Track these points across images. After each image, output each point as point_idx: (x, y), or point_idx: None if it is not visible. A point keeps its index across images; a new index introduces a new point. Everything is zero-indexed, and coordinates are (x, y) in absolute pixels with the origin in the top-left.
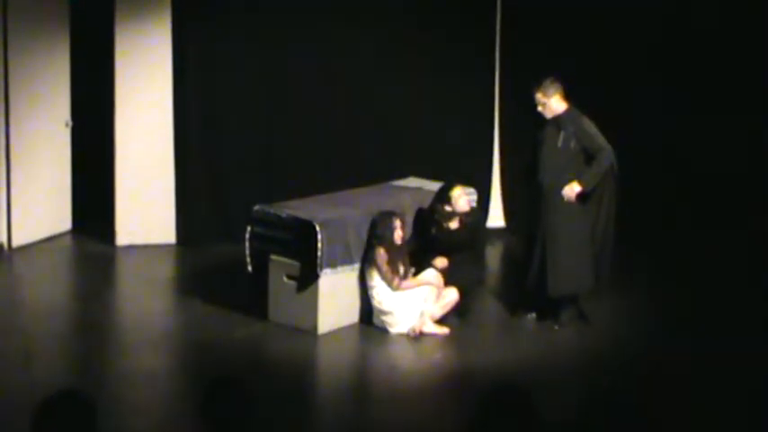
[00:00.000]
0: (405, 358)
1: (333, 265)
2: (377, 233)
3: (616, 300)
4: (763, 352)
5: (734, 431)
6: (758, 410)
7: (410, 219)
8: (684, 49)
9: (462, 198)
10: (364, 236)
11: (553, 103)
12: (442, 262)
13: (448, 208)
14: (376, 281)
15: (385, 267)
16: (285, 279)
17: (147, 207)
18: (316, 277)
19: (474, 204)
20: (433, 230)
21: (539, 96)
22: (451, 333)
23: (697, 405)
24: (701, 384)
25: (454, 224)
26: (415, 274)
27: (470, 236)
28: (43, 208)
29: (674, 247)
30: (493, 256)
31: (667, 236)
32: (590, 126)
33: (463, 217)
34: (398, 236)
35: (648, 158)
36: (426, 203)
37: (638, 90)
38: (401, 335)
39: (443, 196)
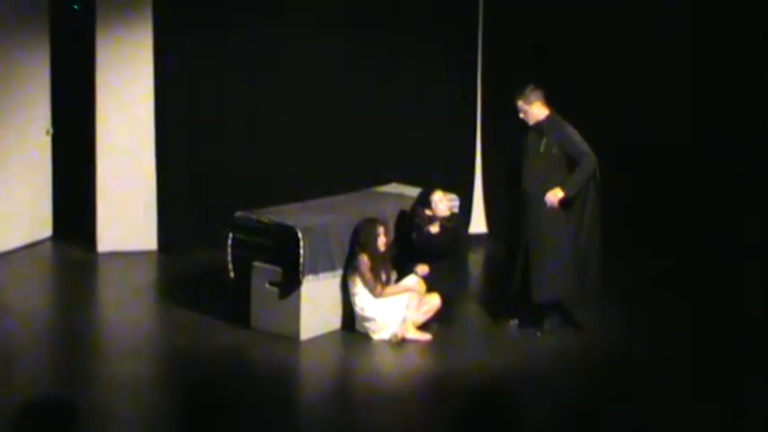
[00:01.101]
0: (387, 364)
1: (315, 271)
2: (360, 240)
3: (600, 307)
4: (750, 357)
5: None
6: (741, 415)
7: (392, 225)
8: (672, 50)
9: (442, 202)
10: (347, 242)
11: (534, 110)
12: (423, 269)
13: (428, 212)
14: (358, 287)
15: (368, 274)
16: (267, 285)
17: (128, 214)
18: (298, 284)
19: (456, 210)
20: (414, 235)
21: (520, 104)
22: (433, 339)
23: (678, 411)
24: (683, 390)
25: (435, 229)
26: (397, 280)
27: (452, 241)
28: (24, 215)
29: (659, 252)
30: (475, 262)
31: (653, 241)
32: (573, 132)
33: (444, 222)
34: (381, 242)
35: (632, 161)
36: (408, 208)
37: (622, 93)
38: (383, 341)
39: (424, 200)
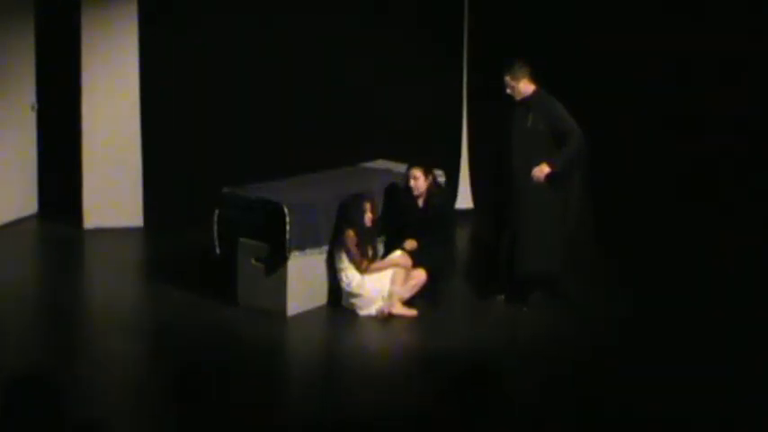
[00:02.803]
0: (373, 340)
1: (301, 247)
2: (346, 216)
3: (587, 281)
4: (738, 340)
5: (700, 415)
6: (728, 398)
7: (380, 200)
8: (660, 42)
9: (419, 180)
10: (333, 218)
11: (522, 86)
12: (410, 244)
13: (411, 185)
14: (344, 263)
15: (354, 250)
16: (254, 262)
17: (114, 190)
18: (284, 260)
19: (441, 183)
20: (400, 209)
21: (507, 79)
22: (419, 314)
23: (663, 388)
24: (668, 368)
25: (420, 203)
26: (384, 255)
27: (437, 218)
28: (9, 191)
29: (651, 228)
30: (461, 237)
31: (645, 221)
32: (560, 108)
33: (428, 198)
34: (368, 218)
35: (623, 148)
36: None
37: (611, 74)
38: (370, 317)
39: (406, 175)
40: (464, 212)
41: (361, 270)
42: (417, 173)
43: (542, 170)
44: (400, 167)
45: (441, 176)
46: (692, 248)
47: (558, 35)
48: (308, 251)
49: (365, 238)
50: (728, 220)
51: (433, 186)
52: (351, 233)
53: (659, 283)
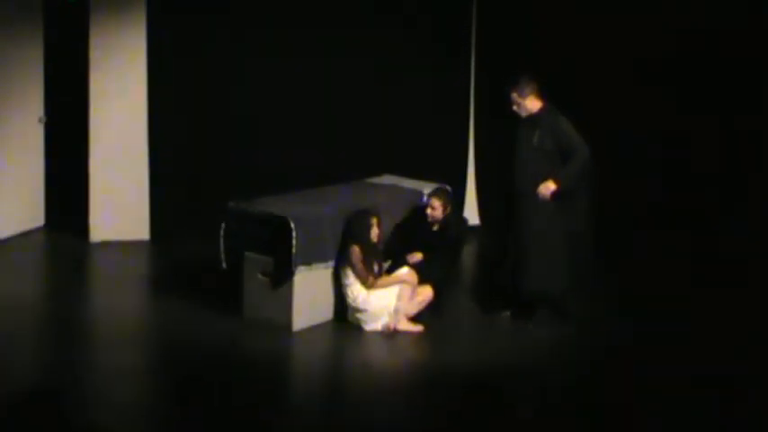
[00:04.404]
0: (379, 356)
1: (307, 262)
2: (352, 231)
3: (592, 299)
4: (745, 354)
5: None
6: (733, 411)
7: (386, 216)
8: (667, 48)
9: (437, 210)
10: (339, 233)
11: (528, 103)
12: (415, 257)
13: (428, 213)
14: (350, 279)
15: (359, 265)
16: (259, 276)
17: (120, 203)
18: (290, 274)
19: (462, 216)
20: (419, 233)
21: (514, 96)
22: (425, 331)
23: (669, 404)
24: (675, 383)
25: (434, 228)
26: (390, 270)
27: (450, 244)
28: (16, 203)
29: (654, 247)
30: (468, 254)
31: (648, 235)
32: (566, 125)
33: (443, 227)
34: (374, 234)
35: (627, 157)
36: (401, 201)
37: (618, 89)
38: (375, 332)
39: (428, 201)
40: (471, 229)
41: (367, 285)
42: (436, 203)
43: (548, 187)
44: (406, 183)
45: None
46: (690, 261)
47: (568, 55)
48: (313, 266)
49: (371, 254)
50: (725, 233)
51: (451, 217)
52: (357, 249)
53: (660, 298)
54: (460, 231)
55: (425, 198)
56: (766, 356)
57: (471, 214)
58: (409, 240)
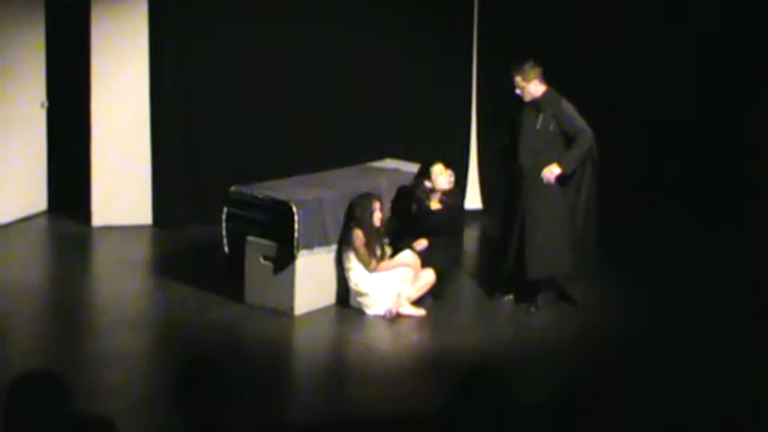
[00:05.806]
0: (381, 340)
1: (310, 246)
2: (355, 215)
3: (595, 283)
4: (746, 340)
5: (706, 417)
6: (734, 397)
7: (388, 200)
8: (670, 35)
9: (443, 175)
10: (341, 217)
11: (532, 87)
12: (420, 243)
13: (428, 184)
14: (353, 263)
15: (362, 249)
16: (262, 260)
17: (123, 188)
18: (292, 258)
19: (452, 185)
20: (414, 208)
21: (518, 79)
22: (428, 314)
23: (672, 390)
24: (677, 369)
25: (435, 203)
26: (393, 254)
27: (451, 220)
28: (18, 188)
29: (657, 231)
30: (470, 237)
31: (651, 219)
32: (570, 108)
33: (444, 196)
34: (377, 218)
35: (630, 141)
36: (408, 182)
37: (621, 75)
38: (378, 316)
39: (425, 172)
40: (472, 213)
41: (370, 269)
42: (440, 168)
43: (552, 171)
44: (409, 167)
45: (451, 177)
46: (694, 250)
47: (570, 39)
48: (316, 250)
49: (373, 238)
50: (730, 223)
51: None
52: (359, 232)
53: (664, 285)
54: (459, 201)
55: (429, 168)
56: None
57: (474, 198)
58: (408, 223)
